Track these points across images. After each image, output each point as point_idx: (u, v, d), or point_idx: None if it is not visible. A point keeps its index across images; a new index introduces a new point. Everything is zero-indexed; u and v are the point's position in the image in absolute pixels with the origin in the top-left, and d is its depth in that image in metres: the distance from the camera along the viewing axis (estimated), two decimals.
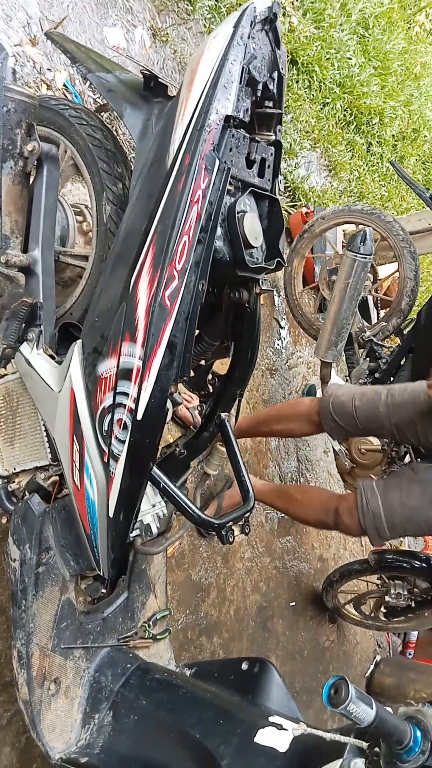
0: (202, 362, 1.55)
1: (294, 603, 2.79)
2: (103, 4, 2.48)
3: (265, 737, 1.13)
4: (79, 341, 1.17)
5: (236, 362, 1.46)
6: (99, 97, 2.31)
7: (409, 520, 1.84)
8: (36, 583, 1.27)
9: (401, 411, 1.82)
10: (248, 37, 1.02)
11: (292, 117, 3.61)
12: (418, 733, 0.82)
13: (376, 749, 0.92)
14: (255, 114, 1.12)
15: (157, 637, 1.49)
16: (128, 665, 1.38)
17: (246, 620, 2.45)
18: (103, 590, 1.38)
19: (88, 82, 2.24)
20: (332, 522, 2.00)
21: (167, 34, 2.80)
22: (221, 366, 1.53)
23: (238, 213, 1.10)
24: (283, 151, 3.49)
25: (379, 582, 2.71)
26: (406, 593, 2.46)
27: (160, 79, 1.23)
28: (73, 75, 2.24)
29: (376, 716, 0.77)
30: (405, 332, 2.48)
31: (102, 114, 2.03)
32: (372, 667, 3.09)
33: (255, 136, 1.14)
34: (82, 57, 1.35)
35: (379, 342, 2.49)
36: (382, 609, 2.76)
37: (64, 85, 2.23)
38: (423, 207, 2.41)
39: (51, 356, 1.30)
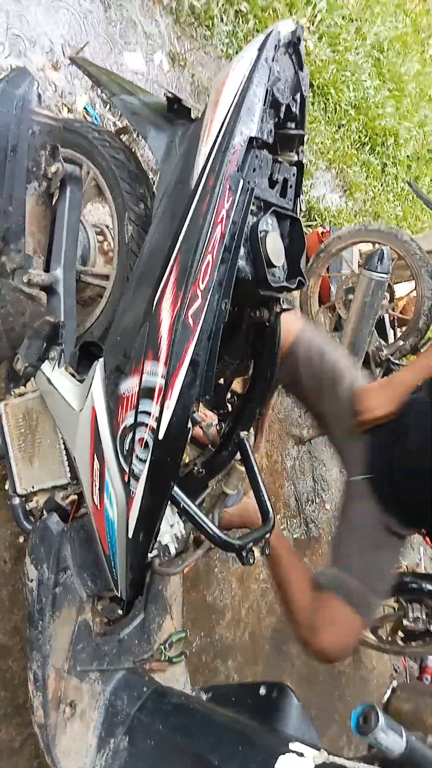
0: (221, 380, 1.55)
1: None
2: (124, 29, 2.53)
3: (286, 764, 1.09)
4: (101, 360, 1.17)
5: (256, 381, 1.46)
6: (119, 120, 2.35)
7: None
8: (53, 603, 1.26)
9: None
10: (272, 60, 1.04)
11: (308, 138, 3.65)
12: None
13: None
14: (278, 135, 1.13)
15: (174, 660, 1.46)
16: (144, 689, 1.35)
17: (261, 643, 2.41)
18: (120, 611, 1.36)
19: (108, 106, 2.28)
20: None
21: (185, 58, 2.86)
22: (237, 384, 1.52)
23: (260, 233, 1.10)
24: None
25: (396, 605, 2.66)
26: (424, 617, 2.42)
27: (183, 102, 1.25)
28: (92, 99, 2.28)
29: (407, 746, 0.75)
30: (422, 351, 2.47)
31: (122, 136, 2.07)
32: (389, 692, 3.02)
33: (278, 156, 1.14)
34: (105, 80, 1.38)
35: (396, 361, 2.47)
36: (400, 633, 2.70)
37: (85, 109, 2.28)
38: None
39: (72, 375, 1.30)
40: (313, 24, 3.76)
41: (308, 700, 2.57)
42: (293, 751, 1.12)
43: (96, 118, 2.34)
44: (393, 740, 0.75)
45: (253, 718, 1.32)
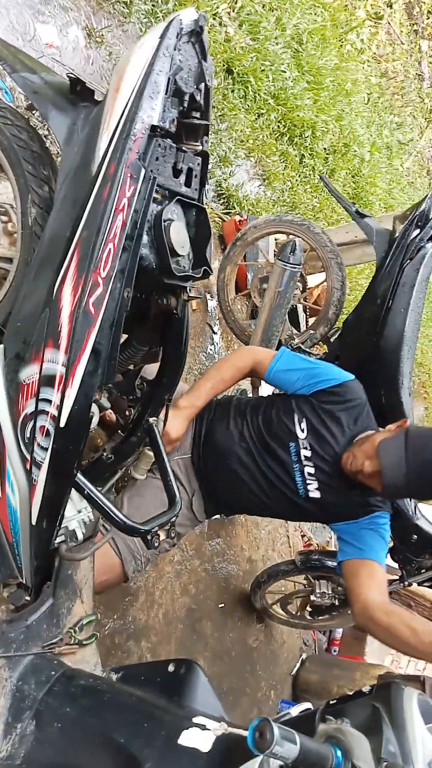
0: (131, 367, 1.56)
1: (223, 605, 2.83)
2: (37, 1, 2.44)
3: (189, 738, 1.14)
4: (1, 346, 1.15)
5: (165, 368, 1.47)
6: None
7: None
8: None
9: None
10: (174, 49, 1.04)
11: (228, 126, 3.66)
12: (339, 754, 0.83)
13: None
14: (182, 124, 1.14)
15: (84, 642, 1.47)
16: (53, 672, 1.35)
17: (175, 623, 2.46)
18: (27, 597, 1.35)
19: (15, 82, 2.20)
20: None
21: (102, 35, 2.79)
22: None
23: (164, 221, 1.11)
24: (218, 159, 3.54)
25: (305, 582, 2.79)
26: (330, 592, 2.54)
27: (86, 84, 1.23)
28: (2, 72, 2.19)
29: (300, 751, 0.78)
30: (332, 340, 2.56)
31: (33, 112, 2.00)
32: (298, 665, 3.18)
33: (182, 146, 1.15)
34: (8, 56, 1.33)
35: (307, 349, 2.56)
36: (308, 608, 2.84)
37: None
38: (351, 220, 2.50)
39: None
40: (233, 10, 3.76)
41: (221, 675, 2.65)
42: (197, 725, 1.17)
43: (6, 92, 2.25)
44: (288, 749, 0.77)
45: (161, 695, 1.35)
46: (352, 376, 1.88)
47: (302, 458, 1.80)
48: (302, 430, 1.80)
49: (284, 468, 1.82)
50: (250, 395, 3.15)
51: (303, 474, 1.81)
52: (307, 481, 1.81)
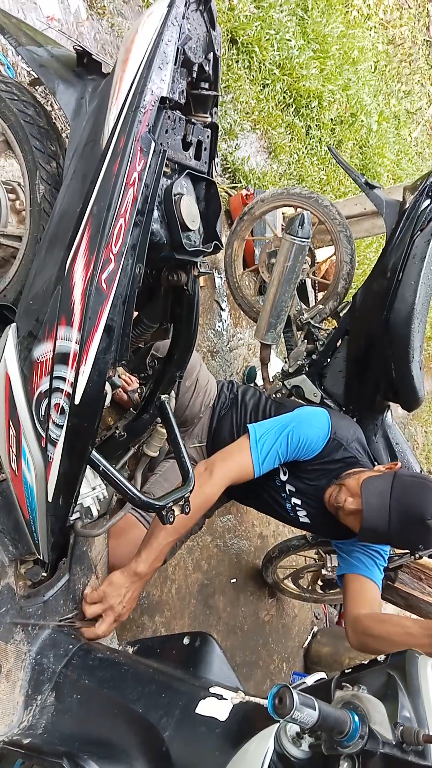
0: (141, 344, 1.55)
1: (235, 580, 2.86)
2: None
3: (206, 708, 1.17)
4: (14, 324, 1.15)
5: (175, 344, 1.47)
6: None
7: None
8: None
9: None
10: (183, 18, 1.02)
11: (233, 97, 3.59)
12: (357, 719, 0.85)
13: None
14: (191, 95, 1.12)
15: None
16: (70, 646, 1.38)
17: (188, 598, 2.49)
18: (44, 573, 1.38)
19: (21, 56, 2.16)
20: None
21: (104, 6, 2.73)
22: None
23: (174, 195, 1.10)
24: (223, 132, 3.49)
25: (316, 556, 2.82)
26: None
27: (93, 56, 1.21)
28: (5, 46, 2.15)
29: (319, 716, 0.80)
30: (341, 315, 2.54)
31: (37, 87, 1.97)
32: (309, 638, 3.23)
33: (191, 117, 1.13)
34: (12, 29, 1.30)
35: (317, 324, 2.54)
36: (319, 582, 2.87)
37: None
38: (359, 192, 2.46)
39: None
40: None
41: (234, 649, 2.70)
42: (213, 695, 1.20)
43: (9, 68, 2.21)
44: (307, 714, 0.79)
45: (177, 667, 1.38)
46: (326, 429, 1.75)
47: (288, 491, 1.81)
48: (284, 473, 1.80)
49: (276, 491, 1.83)
50: (259, 372, 3.15)
51: (291, 503, 1.82)
52: (297, 509, 1.82)
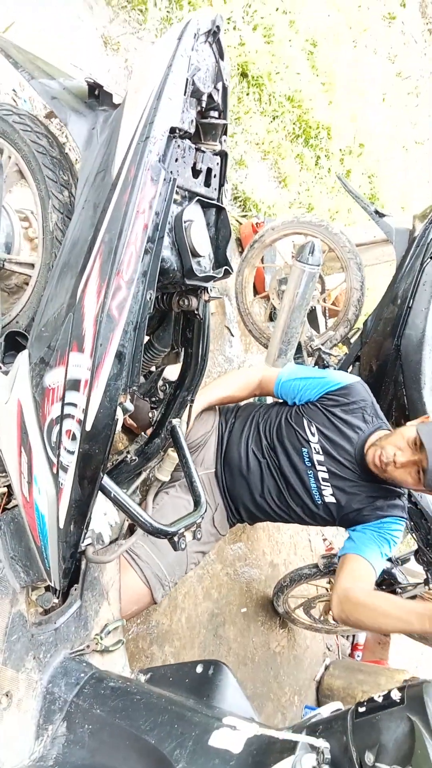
0: (153, 369, 1.56)
1: (245, 609, 2.81)
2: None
3: (219, 739, 1.13)
4: (26, 351, 1.16)
5: (186, 369, 1.48)
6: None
7: None
8: None
9: None
10: (192, 50, 1.04)
11: (243, 129, 3.67)
12: None
13: (326, 747, 0.94)
14: (200, 124, 1.14)
15: (110, 648, 1.48)
16: (82, 674, 1.36)
17: (197, 628, 2.45)
18: (55, 600, 1.36)
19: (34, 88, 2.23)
20: None
21: (118, 42, 2.82)
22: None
23: (185, 222, 1.11)
24: (233, 161, 3.55)
25: (328, 585, 2.76)
26: None
27: (104, 88, 1.24)
28: (23, 82, 2.22)
29: None
30: (352, 341, 2.55)
31: (52, 120, 2.02)
32: (322, 669, 3.15)
33: (201, 146, 1.16)
34: (25, 63, 1.34)
35: (327, 351, 2.55)
36: (331, 612, 2.81)
37: (14, 90, 2.22)
38: (369, 220, 2.49)
39: None
40: (247, 14, 3.77)
41: (245, 680, 2.64)
42: (227, 726, 1.17)
43: (25, 101, 2.28)
44: None
45: (190, 696, 1.35)
46: (357, 378, 1.91)
47: (315, 463, 1.80)
48: (313, 434, 1.82)
49: (298, 476, 1.83)
50: (269, 399, 3.14)
51: (317, 480, 1.81)
52: (322, 487, 1.81)
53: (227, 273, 1.25)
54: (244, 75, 3.69)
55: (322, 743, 0.95)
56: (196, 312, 1.32)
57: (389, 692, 1.02)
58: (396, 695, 1.00)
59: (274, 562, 3.15)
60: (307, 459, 1.81)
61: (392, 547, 1.82)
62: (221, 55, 1.10)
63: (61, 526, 1.16)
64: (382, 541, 1.79)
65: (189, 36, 1.03)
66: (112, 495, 1.17)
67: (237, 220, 3.50)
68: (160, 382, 1.54)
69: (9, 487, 1.33)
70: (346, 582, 1.70)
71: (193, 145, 1.11)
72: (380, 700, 1.02)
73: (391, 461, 1.68)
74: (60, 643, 1.37)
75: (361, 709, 1.03)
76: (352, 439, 1.81)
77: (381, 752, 0.92)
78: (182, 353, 1.46)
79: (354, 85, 4.91)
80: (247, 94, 3.71)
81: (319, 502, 1.83)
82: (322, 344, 2.56)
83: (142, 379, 1.54)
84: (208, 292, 1.29)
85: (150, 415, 1.55)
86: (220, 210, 1.23)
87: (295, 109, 4.06)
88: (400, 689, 1.00)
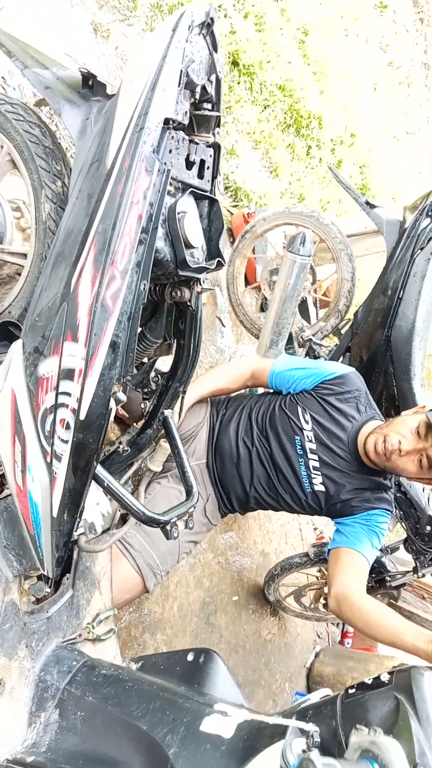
0: (145, 360, 1.57)
1: (236, 597, 2.84)
2: None
3: (211, 725, 1.15)
4: (20, 341, 1.16)
5: (178, 360, 1.48)
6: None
7: None
8: None
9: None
10: (186, 41, 1.04)
11: (234, 118, 3.65)
12: None
13: (315, 731, 0.96)
14: (194, 116, 1.14)
15: (102, 637, 1.49)
16: (74, 663, 1.38)
17: (189, 616, 2.47)
18: (48, 589, 1.38)
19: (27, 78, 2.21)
20: None
21: (108, 30, 2.79)
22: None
23: (178, 214, 1.12)
24: (225, 151, 3.53)
25: (318, 574, 2.80)
26: None
27: (98, 78, 1.24)
28: (11, 69, 2.19)
29: None
30: (342, 332, 2.56)
31: (42, 108, 2.01)
32: (312, 657, 3.19)
33: (194, 137, 1.16)
34: (18, 52, 1.33)
35: (318, 341, 2.56)
36: (322, 600, 2.85)
37: (2, 78, 2.19)
38: (360, 210, 2.50)
39: None
40: (238, 2, 3.74)
41: (236, 668, 2.67)
42: (218, 712, 1.19)
43: (15, 89, 2.25)
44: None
45: (181, 683, 1.37)
46: (352, 369, 1.93)
47: (307, 451, 1.82)
48: (306, 422, 1.83)
49: (289, 463, 1.85)
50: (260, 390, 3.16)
51: (308, 468, 1.83)
52: (312, 475, 1.83)
53: (220, 265, 1.26)
54: (235, 63, 3.66)
55: (311, 727, 0.96)
56: (188, 303, 1.32)
57: (379, 676, 1.04)
58: (385, 677, 1.02)
59: (265, 551, 3.18)
60: (299, 447, 1.83)
61: (381, 539, 1.85)
62: (215, 47, 1.10)
63: (55, 514, 1.17)
64: (371, 534, 1.81)
65: (183, 28, 1.03)
66: (105, 484, 1.18)
67: (228, 211, 3.49)
68: (153, 374, 1.55)
69: (2, 477, 1.33)
70: (345, 579, 1.71)
71: (187, 137, 1.11)
72: (370, 682, 1.04)
73: (396, 449, 1.70)
74: (52, 632, 1.38)
75: (351, 691, 1.05)
76: (346, 427, 1.82)
77: (366, 726, 0.95)
78: (174, 344, 1.46)
79: (345, 74, 4.90)
80: (238, 83, 3.69)
81: (308, 490, 1.85)
82: (313, 335, 2.57)
83: (134, 370, 1.54)
84: (200, 283, 1.30)
85: (142, 406, 1.55)
86: (213, 202, 1.24)
87: (286, 99, 4.04)
88: (390, 673, 1.03)
